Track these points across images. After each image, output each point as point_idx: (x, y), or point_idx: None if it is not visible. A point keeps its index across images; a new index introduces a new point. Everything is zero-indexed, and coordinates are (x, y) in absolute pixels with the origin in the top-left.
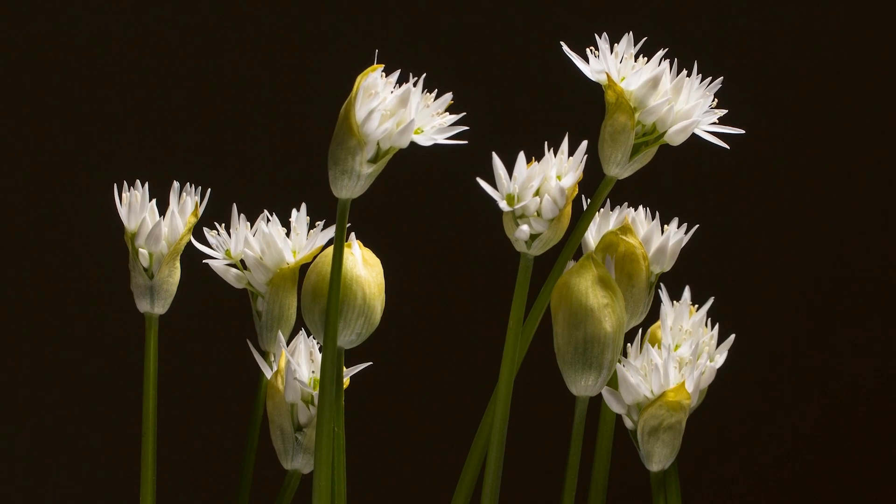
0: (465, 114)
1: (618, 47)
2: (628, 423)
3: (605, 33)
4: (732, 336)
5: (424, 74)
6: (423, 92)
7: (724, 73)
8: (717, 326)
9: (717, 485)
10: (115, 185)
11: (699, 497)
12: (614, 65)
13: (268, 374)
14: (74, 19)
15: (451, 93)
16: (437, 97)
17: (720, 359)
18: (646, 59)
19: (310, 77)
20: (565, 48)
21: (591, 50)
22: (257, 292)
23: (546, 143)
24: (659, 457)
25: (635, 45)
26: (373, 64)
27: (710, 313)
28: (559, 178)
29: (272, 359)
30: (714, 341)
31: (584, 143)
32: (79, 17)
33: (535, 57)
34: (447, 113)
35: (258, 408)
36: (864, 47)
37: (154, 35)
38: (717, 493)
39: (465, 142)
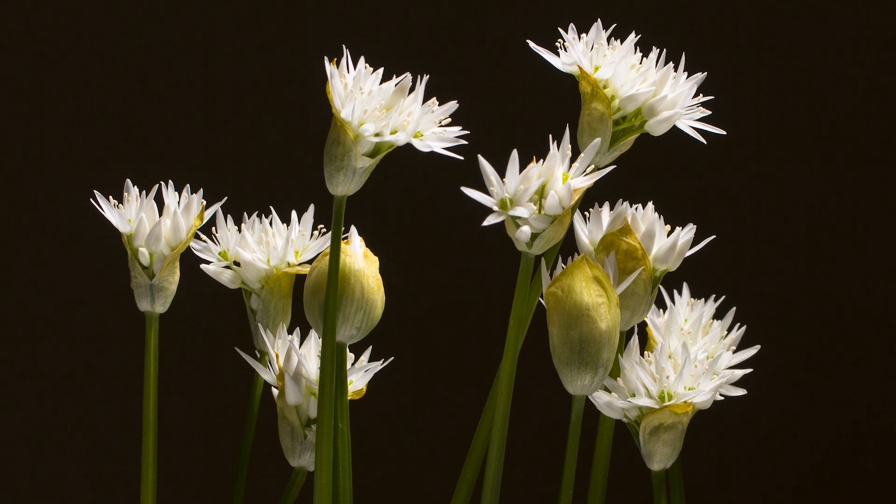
0: (468, 132)
1: (587, 37)
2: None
3: (571, 24)
4: (757, 347)
5: (428, 76)
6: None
7: (729, 73)
8: (742, 329)
9: (719, 484)
10: (97, 192)
11: (702, 497)
12: (585, 55)
13: (264, 374)
14: (74, 20)
15: (455, 102)
16: (427, 97)
17: (738, 372)
18: (619, 41)
19: (308, 77)
20: (532, 45)
21: (559, 43)
22: (251, 289)
23: (537, 141)
24: (660, 456)
25: (611, 34)
26: (368, 63)
27: (717, 314)
28: (565, 176)
29: (268, 358)
30: (732, 345)
31: (595, 145)
32: (77, 17)
33: (529, 54)
34: (449, 119)
35: (253, 407)
36: (871, 49)
37: (152, 36)
38: (719, 493)
39: (461, 157)
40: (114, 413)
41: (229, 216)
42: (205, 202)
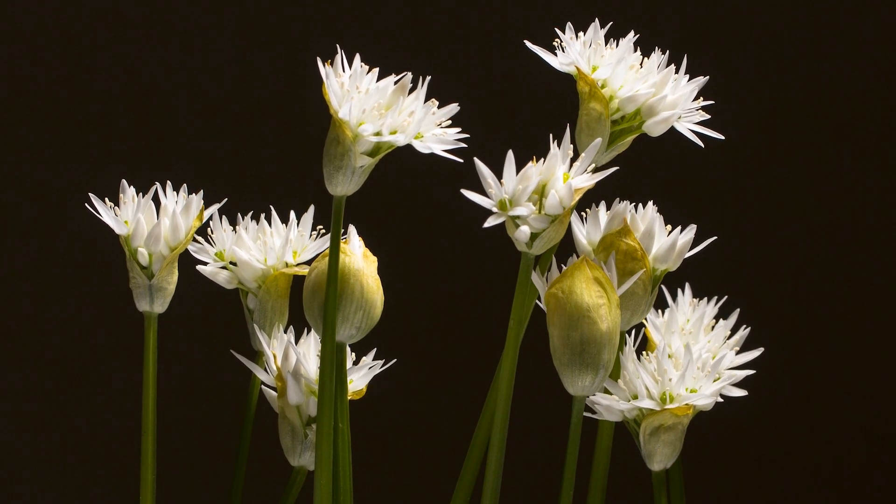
0: (468, 135)
1: (584, 36)
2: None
3: (569, 23)
4: (761, 349)
5: (430, 77)
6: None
7: (729, 73)
8: (747, 331)
9: (719, 484)
10: (92, 196)
11: (702, 497)
12: (582, 55)
13: (260, 375)
14: (73, 19)
15: (456, 104)
16: (425, 97)
17: (740, 373)
18: (617, 41)
19: (308, 76)
20: (529, 44)
21: (557, 43)
22: (247, 288)
23: (543, 139)
24: (660, 456)
25: (608, 34)
26: (364, 62)
27: (720, 314)
28: (566, 175)
29: (264, 358)
30: (736, 346)
31: (596, 143)
32: (76, 17)
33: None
34: (449, 121)
35: (251, 407)
36: (867, 49)
37: (150, 35)
38: (719, 493)
39: (461, 160)
40: (113, 413)
41: (224, 217)
42: (203, 202)
